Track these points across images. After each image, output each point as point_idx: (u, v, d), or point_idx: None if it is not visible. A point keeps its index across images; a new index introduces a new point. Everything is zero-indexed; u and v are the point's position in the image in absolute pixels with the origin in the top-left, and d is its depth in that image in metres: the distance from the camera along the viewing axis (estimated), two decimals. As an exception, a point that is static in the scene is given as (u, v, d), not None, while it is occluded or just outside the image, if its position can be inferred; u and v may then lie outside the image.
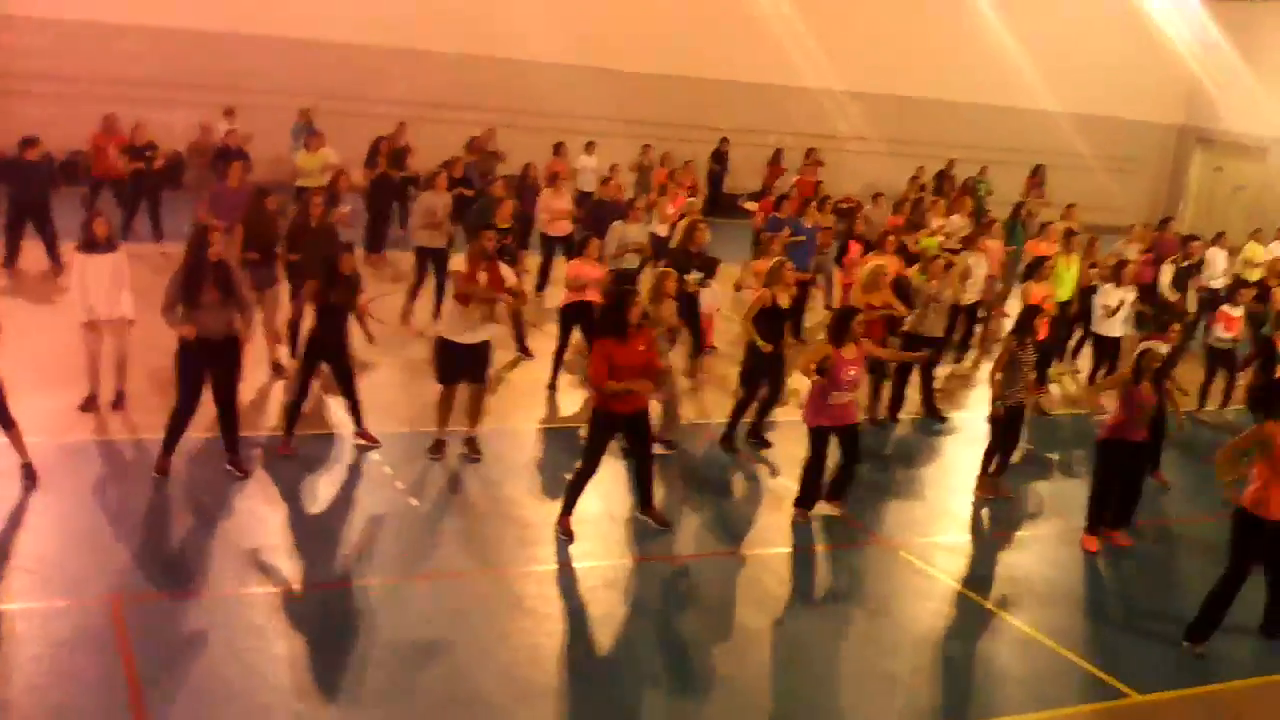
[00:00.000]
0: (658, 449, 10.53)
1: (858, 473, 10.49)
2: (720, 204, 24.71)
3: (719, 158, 25.85)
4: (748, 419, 11.97)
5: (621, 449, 10.44)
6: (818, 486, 10.29)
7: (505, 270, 10.77)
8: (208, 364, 9.60)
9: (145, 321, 10.84)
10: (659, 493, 10.27)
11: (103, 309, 10.77)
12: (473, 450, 10.89)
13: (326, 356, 10.48)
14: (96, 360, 10.91)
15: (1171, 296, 16.42)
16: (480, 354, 10.69)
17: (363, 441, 10.83)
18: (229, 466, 9.90)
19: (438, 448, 10.82)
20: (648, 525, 9.82)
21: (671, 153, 22.13)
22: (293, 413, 10.53)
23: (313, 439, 10.80)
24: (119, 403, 11.06)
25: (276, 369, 12.50)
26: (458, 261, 10.69)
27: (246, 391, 11.91)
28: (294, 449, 10.47)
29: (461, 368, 10.66)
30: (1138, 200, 31.14)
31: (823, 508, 10.43)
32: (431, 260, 15.04)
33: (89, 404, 10.93)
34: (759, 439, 12.05)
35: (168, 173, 18.68)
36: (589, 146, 22.31)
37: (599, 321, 9.38)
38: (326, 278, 10.27)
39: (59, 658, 7.13)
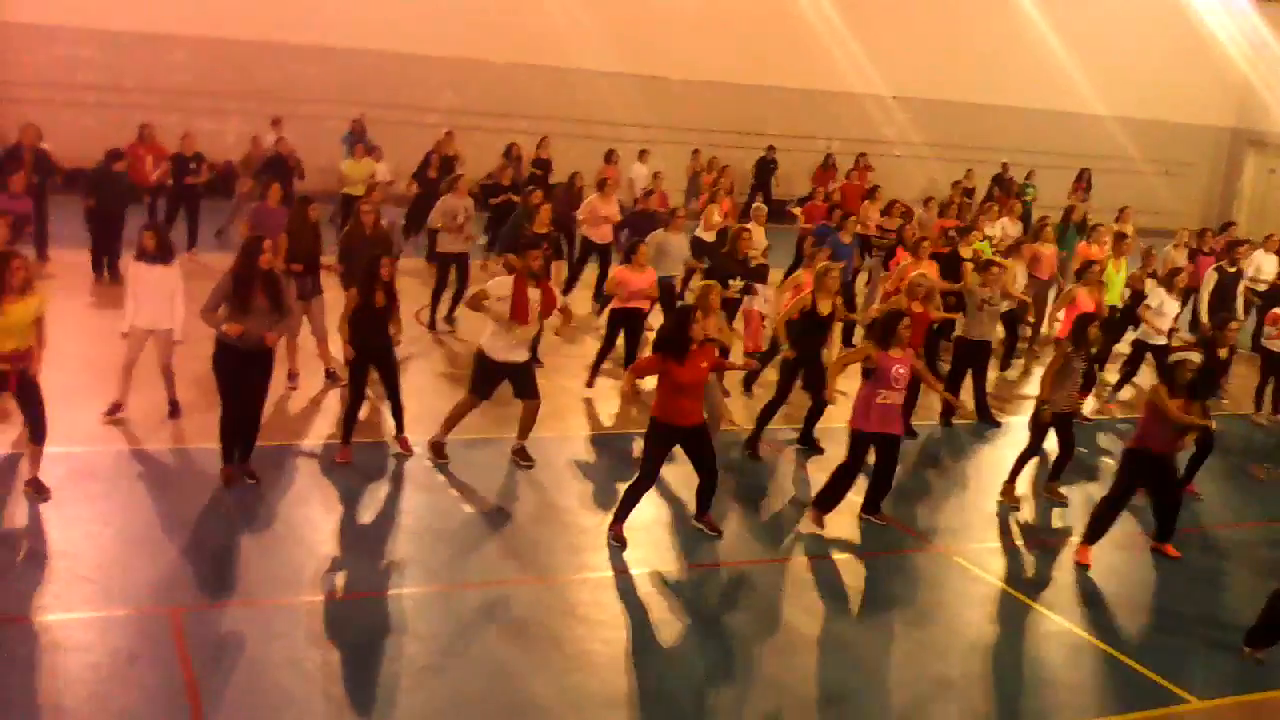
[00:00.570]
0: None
1: (910, 479, 10.45)
2: (768, 210, 24.64)
3: (765, 164, 25.86)
4: (795, 425, 11.94)
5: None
6: (842, 493, 10.11)
7: (555, 290, 10.79)
8: (244, 370, 9.66)
9: (187, 329, 10.93)
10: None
11: (146, 319, 10.85)
12: (524, 458, 10.94)
13: (373, 360, 10.52)
14: (130, 369, 10.99)
15: (1203, 308, 16.07)
16: (525, 371, 10.76)
17: (400, 449, 10.85)
18: (240, 473, 9.90)
19: (438, 449, 10.82)
20: (700, 532, 9.80)
21: (717, 158, 22.17)
22: (349, 421, 10.59)
23: (364, 447, 10.86)
24: (174, 412, 11.16)
25: (330, 376, 12.59)
26: (504, 285, 10.65)
27: (297, 400, 12.06)
28: (350, 457, 10.53)
29: (499, 384, 10.72)
30: (1190, 205, 30.83)
31: (870, 517, 10.39)
32: (453, 264, 15.11)
33: (114, 411, 10.99)
34: (811, 444, 12.00)
35: (213, 184, 18.87)
36: (642, 155, 22.35)
37: (660, 339, 9.38)
38: (366, 283, 10.33)
39: (119, 666, 7.21)
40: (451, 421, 10.84)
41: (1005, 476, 11.31)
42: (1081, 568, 9.97)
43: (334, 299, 12.41)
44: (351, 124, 20.95)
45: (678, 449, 9.52)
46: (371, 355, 10.49)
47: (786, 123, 26.56)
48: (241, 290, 9.54)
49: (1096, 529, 10.05)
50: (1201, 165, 32.57)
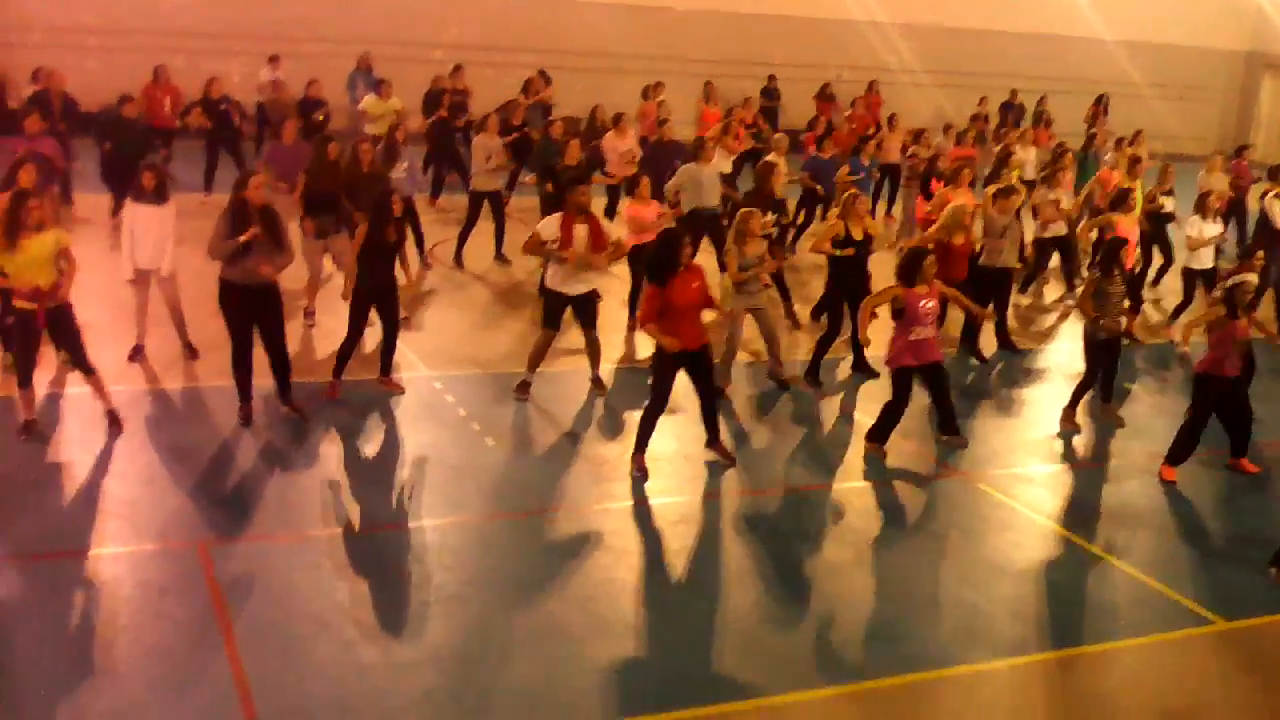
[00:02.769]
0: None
1: (934, 409, 10.43)
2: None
3: (768, 94, 25.44)
4: (806, 357, 11.94)
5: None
6: (893, 424, 10.21)
7: (604, 223, 10.75)
8: (251, 308, 9.66)
9: (204, 271, 10.86)
10: (742, 425, 10.41)
11: (145, 260, 10.77)
12: (599, 386, 11.16)
13: (376, 298, 10.46)
14: (144, 311, 10.99)
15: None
16: (588, 301, 10.83)
17: (386, 388, 10.77)
18: (284, 409, 9.99)
19: (523, 388, 10.85)
20: (719, 462, 9.80)
21: (715, 87, 21.82)
22: (343, 356, 10.52)
23: (383, 382, 10.82)
24: (191, 354, 11.14)
25: None
26: (549, 223, 10.62)
27: (319, 339, 12.02)
28: (338, 393, 10.49)
29: (564, 312, 10.81)
30: (1205, 130, 30.52)
31: (904, 443, 10.37)
32: (488, 201, 15.07)
33: (135, 354, 11.01)
34: (864, 369, 12.08)
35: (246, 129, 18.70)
36: (657, 87, 22.01)
37: (649, 264, 9.35)
38: (376, 219, 10.26)
39: (151, 600, 7.25)
40: (535, 359, 10.87)
41: (1026, 404, 11.26)
42: (1167, 484, 10.13)
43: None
44: (358, 61, 20.71)
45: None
46: (375, 293, 10.41)
47: (790, 52, 26.23)
48: (238, 225, 9.50)
49: (1180, 452, 10.20)
50: (1215, 90, 32.20)
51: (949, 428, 10.54)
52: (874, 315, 10.43)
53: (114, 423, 9.47)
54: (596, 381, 11.19)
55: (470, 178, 15.61)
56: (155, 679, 6.48)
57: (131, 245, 10.69)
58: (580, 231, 10.56)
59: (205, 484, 8.83)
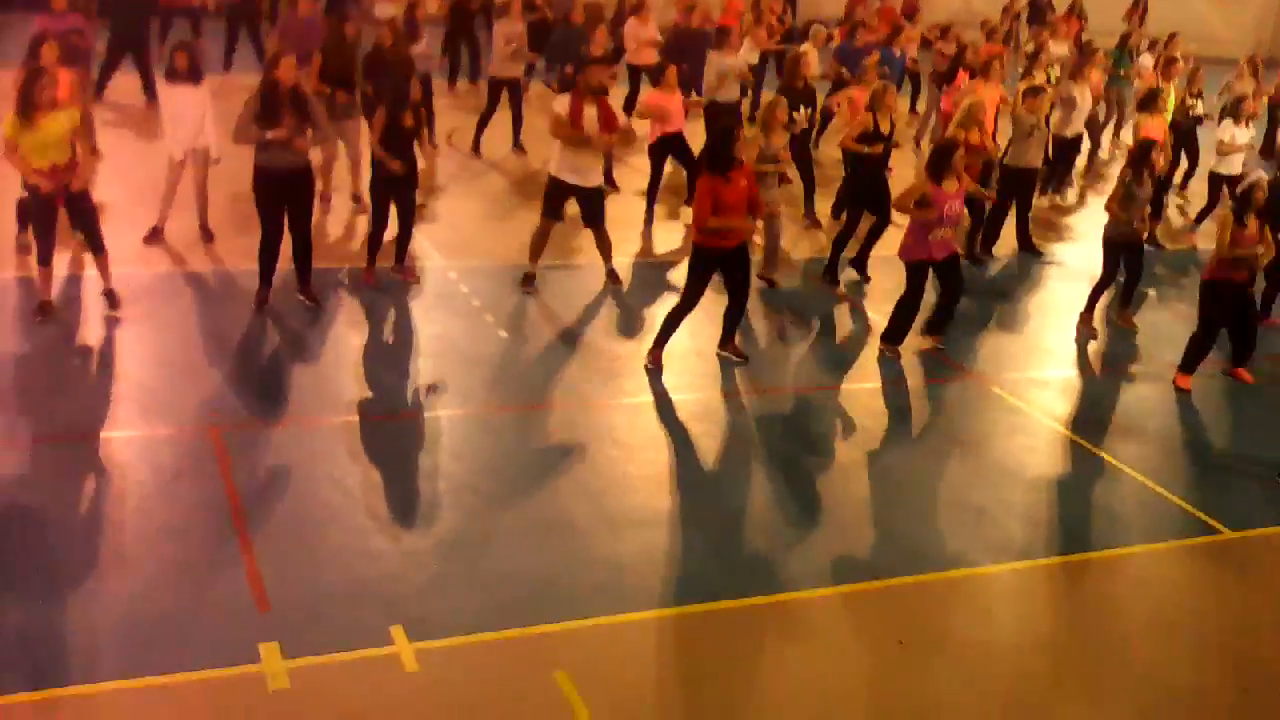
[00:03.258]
0: (759, 284, 10.49)
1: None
2: (794, 35, 23.83)
3: None
4: (849, 252, 11.82)
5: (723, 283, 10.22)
6: (909, 323, 10.14)
7: (615, 108, 10.60)
8: (284, 194, 9.63)
9: (227, 152, 10.82)
10: (757, 327, 10.36)
11: (186, 140, 10.76)
12: (615, 280, 11.10)
13: (394, 185, 10.38)
14: (173, 193, 10.96)
15: None
16: (593, 195, 10.69)
17: (399, 276, 10.75)
18: (300, 297, 10.00)
19: (528, 280, 10.81)
20: (729, 360, 9.78)
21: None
22: (374, 243, 10.53)
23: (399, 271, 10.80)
24: (206, 236, 11.12)
25: (357, 200, 12.46)
26: (561, 103, 10.47)
27: (332, 224, 11.98)
28: (377, 280, 10.50)
29: (566, 203, 10.68)
30: (1243, 32, 29.71)
31: (920, 342, 10.32)
32: (507, 89, 14.86)
33: (154, 235, 10.99)
34: (861, 272, 11.90)
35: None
36: None
37: (701, 158, 9.24)
38: (394, 104, 10.14)
39: (164, 482, 7.33)
40: (536, 250, 10.80)
41: (1045, 307, 11.17)
42: (1181, 391, 10.08)
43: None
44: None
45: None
46: (393, 179, 10.33)
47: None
48: (268, 107, 9.42)
49: (1191, 360, 10.13)
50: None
51: (938, 329, 10.37)
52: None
53: (112, 301, 9.46)
54: (611, 275, 11.13)
55: (490, 64, 15.35)
56: (167, 563, 6.56)
57: (170, 127, 10.68)
58: (590, 112, 10.39)
59: (219, 369, 8.87)
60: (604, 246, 11.01)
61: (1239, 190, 9.93)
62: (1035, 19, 22.69)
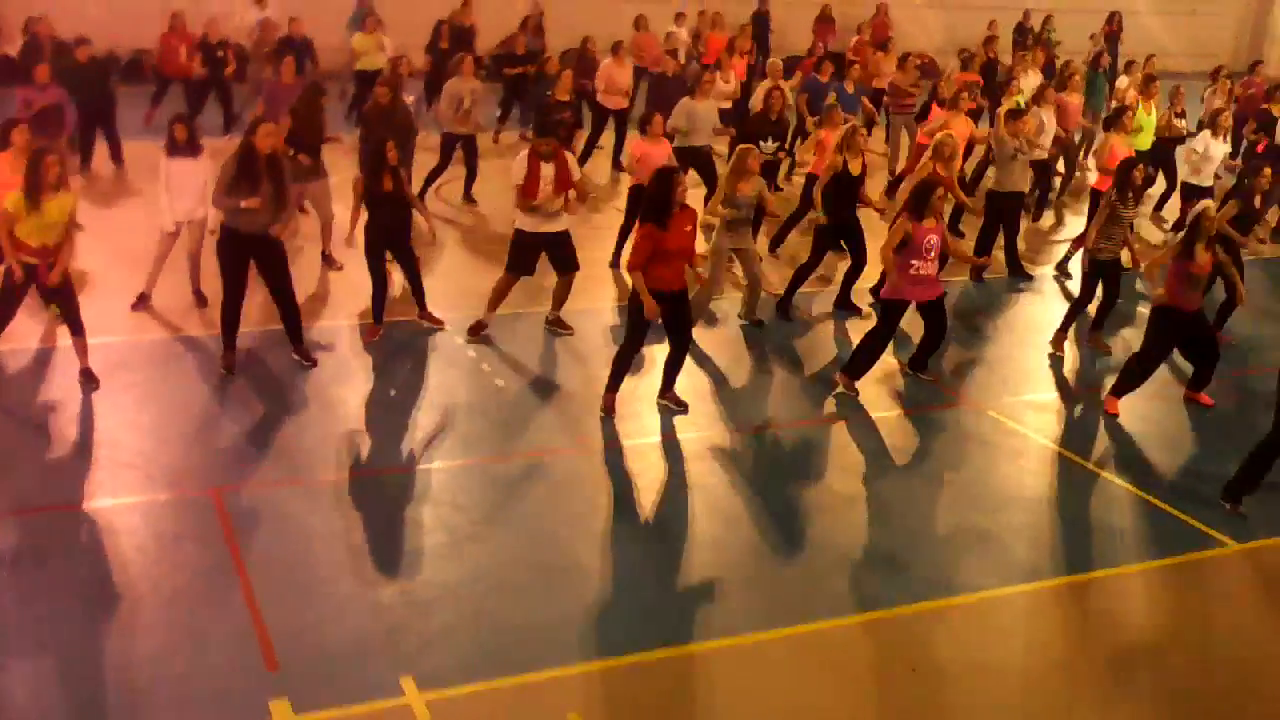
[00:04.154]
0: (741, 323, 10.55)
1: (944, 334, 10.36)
2: (758, 70, 23.80)
3: (760, 19, 24.53)
4: (831, 289, 11.85)
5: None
6: (871, 360, 9.99)
7: (571, 163, 10.54)
8: (253, 256, 9.65)
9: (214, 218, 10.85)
10: (743, 361, 10.45)
11: (183, 212, 10.81)
12: (562, 326, 11.01)
13: (388, 243, 10.43)
14: (162, 262, 10.98)
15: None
16: (562, 242, 10.65)
17: (427, 323, 10.84)
18: (295, 356, 9.99)
19: (477, 329, 10.77)
20: (668, 409, 9.58)
21: (721, 14, 21.32)
22: (378, 303, 10.55)
23: (391, 325, 10.81)
24: (200, 301, 11.13)
25: (326, 259, 12.45)
26: (519, 163, 10.40)
27: (309, 283, 11.98)
28: (378, 335, 10.55)
29: (538, 257, 10.66)
30: (1218, 47, 30.01)
31: (916, 377, 10.37)
32: (460, 146, 14.64)
33: (140, 302, 10.98)
34: (849, 307, 11.93)
35: (238, 71, 18.44)
36: (679, 18, 21.44)
37: (644, 205, 9.12)
38: (373, 168, 10.22)
39: (167, 547, 7.32)
40: (494, 301, 10.80)
41: (1037, 330, 11.19)
42: (1110, 417, 9.92)
43: (342, 182, 12.29)
44: (357, 1, 20.44)
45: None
46: (386, 238, 10.37)
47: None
48: (247, 173, 9.46)
49: (1125, 384, 9.92)
50: (1229, 3, 31.70)
51: (920, 364, 10.36)
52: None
53: (89, 380, 9.31)
54: (557, 322, 11.01)
55: (441, 121, 14.80)
56: (174, 627, 6.54)
57: (169, 199, 10.73)
58: (547, 172, 10.36)
59: (217, 431, 8.86)
60: (561, 293, 10.91)
61: (1188, 220, 9.76)
62: (1018, 46, 22.82)
